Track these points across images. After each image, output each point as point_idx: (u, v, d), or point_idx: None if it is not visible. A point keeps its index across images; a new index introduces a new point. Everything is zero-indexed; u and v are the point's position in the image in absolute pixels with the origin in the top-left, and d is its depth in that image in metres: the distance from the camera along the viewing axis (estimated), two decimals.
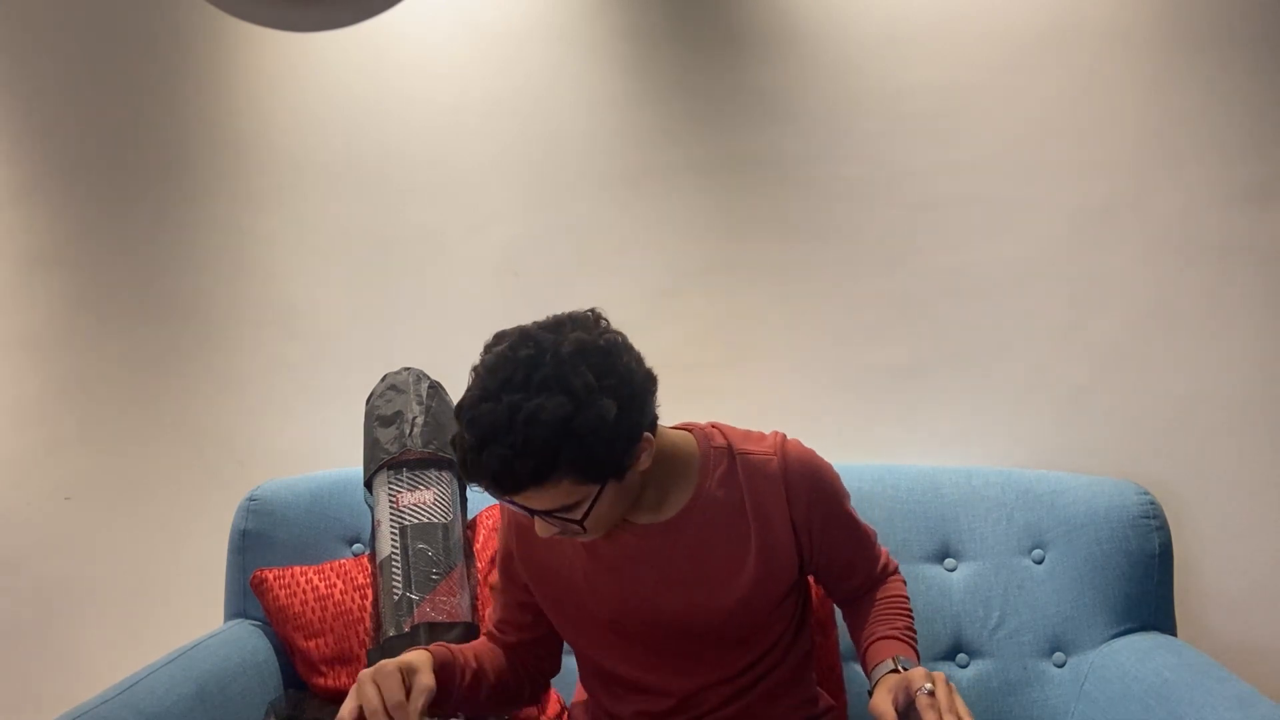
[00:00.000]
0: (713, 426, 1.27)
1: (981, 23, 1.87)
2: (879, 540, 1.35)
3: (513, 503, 1.09)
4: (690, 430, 1.27)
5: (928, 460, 1.79)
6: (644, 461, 1.13)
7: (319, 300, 2.03)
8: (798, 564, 1.25)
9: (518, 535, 1.27)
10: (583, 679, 1.37)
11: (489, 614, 1.36)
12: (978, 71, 1.88)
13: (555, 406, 1.01)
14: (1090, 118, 1.86)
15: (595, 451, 1.04)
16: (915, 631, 1.28)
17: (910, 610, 1.30)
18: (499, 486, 1.04)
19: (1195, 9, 1.83)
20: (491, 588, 1.36)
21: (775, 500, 1.22)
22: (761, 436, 1.26)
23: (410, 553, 1.59)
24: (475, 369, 1.09)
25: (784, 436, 1.26)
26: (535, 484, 1.03)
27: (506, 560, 1.30)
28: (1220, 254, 1.83)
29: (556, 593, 1.26)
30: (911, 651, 1.22)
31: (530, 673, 1.31)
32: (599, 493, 1.09)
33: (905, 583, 1.35)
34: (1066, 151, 1.86)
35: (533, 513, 1.10)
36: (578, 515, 1.09)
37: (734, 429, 1.28)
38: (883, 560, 1.34)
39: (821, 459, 1.27)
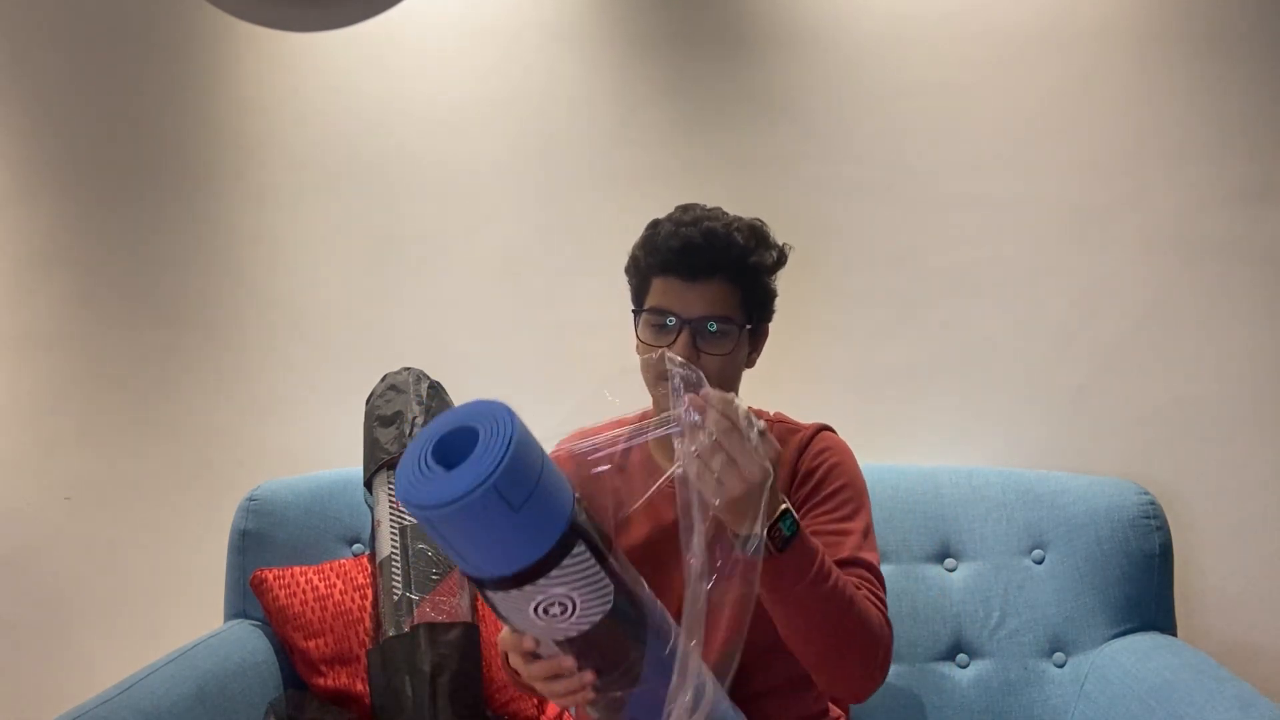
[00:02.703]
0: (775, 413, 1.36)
1: (982, 23, 1.87)
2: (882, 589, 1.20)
3: (672, 318, 1.19)
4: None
5: (928, 460, 1.79)
6: (756, 358, 1.29)
7: (319, 300, 2.03)
8: None
9: (576, 470, 1.31)
10: None
11: None
12: (978, 71, 1.88)
13: (753, 219, 1.26)
14: (1090, 117, 1.86)
15: (766, 275, 1.24)
16: (840, 585, 1.07)
17: (855, 594, 1.09)
18: (710, 246, 1.19)
19: (1195, 9, 1.83)
20: None
21: (787, 464, 1.26)
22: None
23: (410, 553, 1.59)
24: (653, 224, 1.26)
25: (827, 426, 1.34)
26: (731, 266, 1.20)
27: None
28: (1220, 254, 1.83)
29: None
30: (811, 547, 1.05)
31: None
32: (741, 332, 1.21)
33: (883, 622, 1.13)
34: (1066, 151, 1.86)
35: (685, 320, 1.19)
36: (724, 347, 1.20)
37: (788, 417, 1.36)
38: (872, 582, 1.17)
39: (853, 458, 1.30)
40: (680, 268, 1.20)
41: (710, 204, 1.29)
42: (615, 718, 0.98)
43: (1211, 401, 1.84)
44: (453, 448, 0.84)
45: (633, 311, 1.27)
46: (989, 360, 1.89)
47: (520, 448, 0.83)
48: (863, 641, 1.09)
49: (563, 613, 0.89)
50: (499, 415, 0.85)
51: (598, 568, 0.89)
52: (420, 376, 1.76)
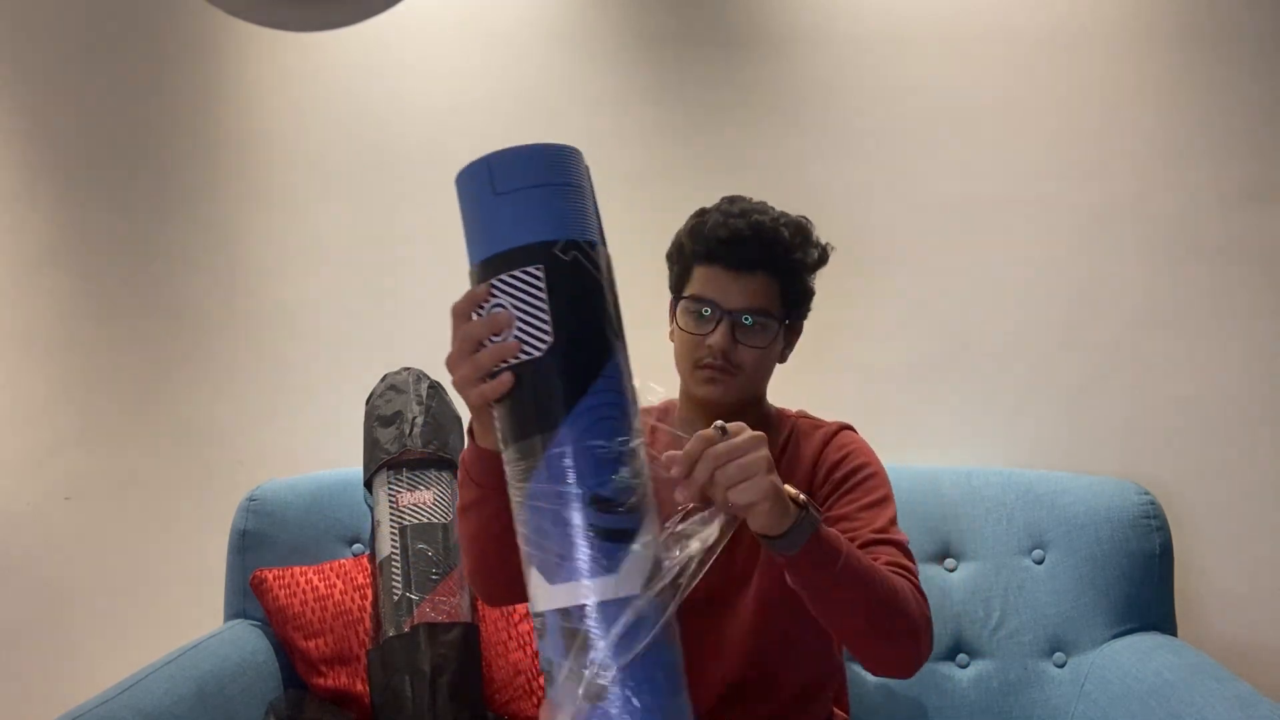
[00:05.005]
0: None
1: (982, 23, 1.87)
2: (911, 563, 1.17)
3: (713, 308, 1.19)
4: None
5: (928, 460, 1.79)
6: (788, 354, 1.30)
7: (319, 300, 2.03)
8: None
9: None
10: None
11: None
12: (978, 72, 1.88)
13: (798, 215, 1.25)
14: (1091, 118, 1.86)
15: (807, 273, 1.24)
16: (867, 568, 1.05)
17: (883, 575, 1.06)
18: (757, 239, 1.18)
19: (1196, 10, 1.83)
20: None
21: (809, 458, 1.26)
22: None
23: (410, 553, 1.59)
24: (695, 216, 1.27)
25: (848, 425, 1.33)
26: (775, 261, 1.20)
27: None
28: (1220, 254, 1.83)
29: None
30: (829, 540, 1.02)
31: None
32: (779, 328, 1.22)
33: (916, 594, 1.11)
34: (1067, 151, 1.86)
35: (726, 311, 1.19)
36: (763, 340, 1.21)
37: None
38: (901, 557, 1.15)
39: (874, 453, 1.28)
40: (725, 258, 1.20)
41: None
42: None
43: (1211, 401, 1.84)
44: None
45: (672, 300, 1.26)
46: (989, 360, 1.89)
47: (541, 150, 0.88)
48: (898, 616, 1.07)
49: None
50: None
51: (544, 305, 0.86)
52: (420, 376, 1.76)
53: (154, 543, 2.06)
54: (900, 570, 1.12)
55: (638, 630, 0.83)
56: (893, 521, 1.20)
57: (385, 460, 1.68)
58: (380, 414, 1.72)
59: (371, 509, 1.70)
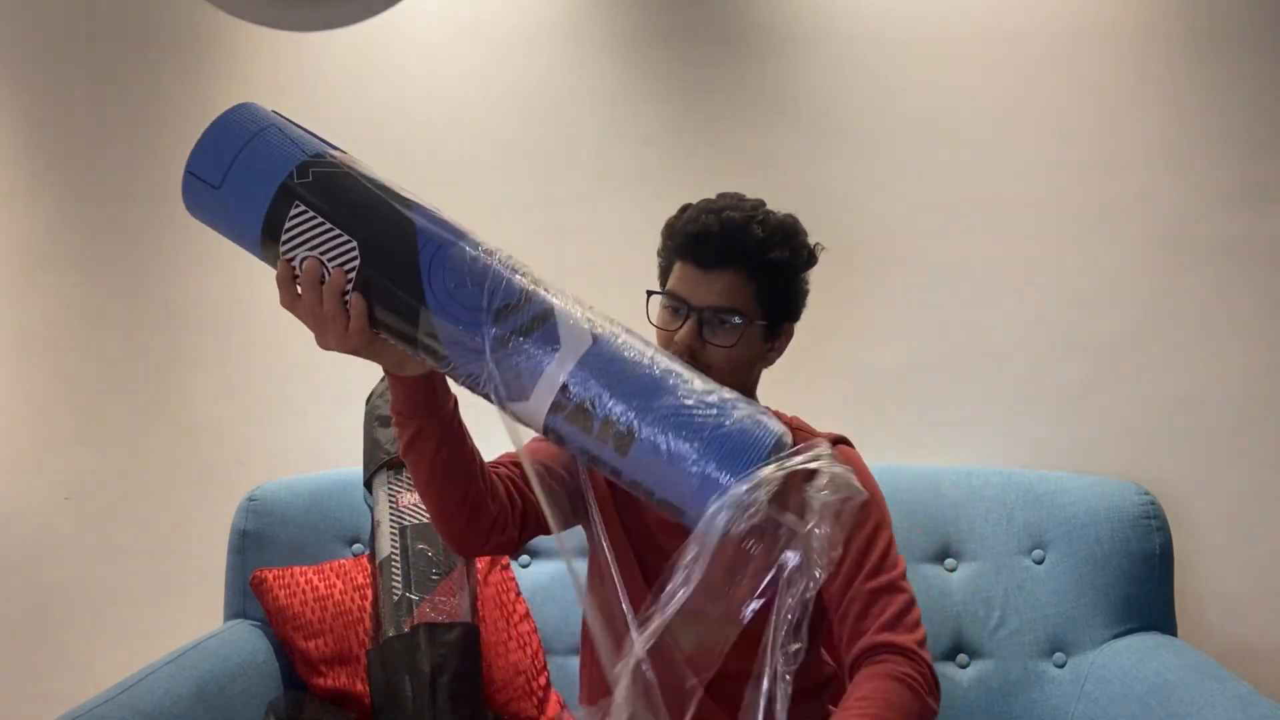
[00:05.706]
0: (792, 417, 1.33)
1: (982, 23, 1.87)
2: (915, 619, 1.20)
3: (681, 305, 1.18)
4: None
5: (928, 460, 1.79)
6: (775, 356, 1.27)
7: None
8: None
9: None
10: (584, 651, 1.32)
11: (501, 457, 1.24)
12: (978, 71, 1.88)
13: (785, 215, 1.22)
14: (1090, 118, 1.86)
15: (789, 274, 1.21)
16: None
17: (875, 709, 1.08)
18: (724, 236, 1.16)
19: (1196, 10, 1.83)
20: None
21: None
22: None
23: (410, 553, 1.59)
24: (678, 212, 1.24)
25: (844, 439, 1.30)
26: (745, 259, 1.17)
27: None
28: (1220, 254, 1.83)
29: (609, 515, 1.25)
30: None
31: (501, 499, 1.17)
32: (750, 326, 1.18)
33: (911, 681, 1.12)
34: (1067, 151, 1.86)
35: (694, 309, 1.17)
36: (729, 340, 1.17)
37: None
38: (891, 624, 1.17)
39: (869, 473, 1.24)
40: (694, 254, 1.19)
41: None
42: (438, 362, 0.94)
43: (1211, 401, 1.84)
44: None
45: (648, 291, 1.24)
46: (989, 360, 1.89)
47: (216, 127, 0.92)
48: None
49: (321, 270, 0.91)
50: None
51: (326, 224, 0.90)
52: None
53: (154, 543, 2.06)
54: (895, 671, 1.12)
55: (616, 365, 0.87)
56: (886, 554, 1.18)
57: (385, 460, 1.68)
58: (380, 414, 1.72)
59: (371, 509, 1.70)
